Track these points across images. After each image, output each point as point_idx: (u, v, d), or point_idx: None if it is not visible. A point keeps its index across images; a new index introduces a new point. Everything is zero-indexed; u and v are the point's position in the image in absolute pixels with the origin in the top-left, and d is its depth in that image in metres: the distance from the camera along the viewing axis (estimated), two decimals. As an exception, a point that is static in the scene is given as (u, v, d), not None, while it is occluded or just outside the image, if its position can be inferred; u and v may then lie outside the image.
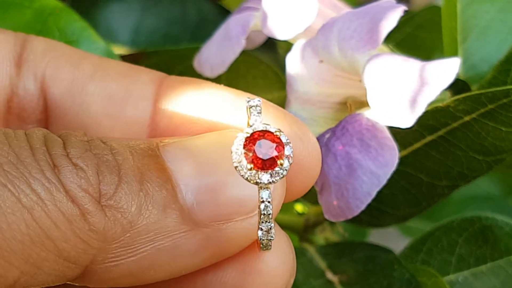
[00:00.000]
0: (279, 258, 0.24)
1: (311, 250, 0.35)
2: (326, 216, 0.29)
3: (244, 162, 0.22)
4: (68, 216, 0.21)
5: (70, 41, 0.36)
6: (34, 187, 0.21)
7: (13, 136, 0.22)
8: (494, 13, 0.37)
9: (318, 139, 0.30)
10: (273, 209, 0.23)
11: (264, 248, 0.23)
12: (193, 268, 0.23)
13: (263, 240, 0.23)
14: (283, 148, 0.22)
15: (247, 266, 0.24)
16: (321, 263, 0.34)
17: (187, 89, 0.26)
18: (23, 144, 0.22)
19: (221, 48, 0.33)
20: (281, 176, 0.22)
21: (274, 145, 0.22)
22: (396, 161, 0.28)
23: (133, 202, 0.22)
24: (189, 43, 0.44)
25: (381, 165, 0.28)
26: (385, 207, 0.34)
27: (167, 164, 0.23)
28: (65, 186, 0.22)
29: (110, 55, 0.36)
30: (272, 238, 0.22)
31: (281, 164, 0.22)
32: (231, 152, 0.22)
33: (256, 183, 0.22)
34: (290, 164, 0.22)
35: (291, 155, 0.22)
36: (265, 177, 0.22)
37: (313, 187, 0.31)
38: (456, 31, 0.37)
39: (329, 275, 0.33)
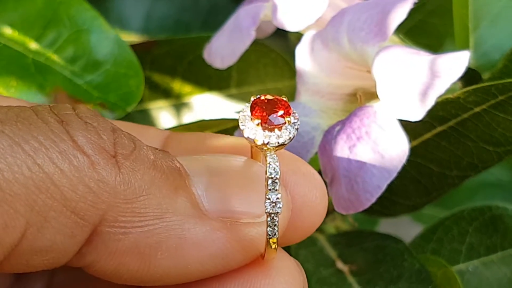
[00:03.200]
0: (287, 281, 0.23)
1: (321, 239, 0.35)
2: (336, 209, 0.29)
3: (251, 124, 0.22)
4: (75, 163, 0.21)
5: (81, 30, 0.36)
6: (35, 135, 0.21)
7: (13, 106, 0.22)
8: (507, 0, 0.37)
9: (328, 131, 0.30)
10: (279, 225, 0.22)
11: (271, 235, 0.22)
12: (198, 266, 0.23)
13: (270, 213, 0.22)
14: (290, 109, 0.22)
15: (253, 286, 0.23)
16: (332, 252, 0.34)
17: (192, 138, 0.26)
18: (26, 108, 0.22)
19: (231, 40, 0.33)
20: (289, 138, 0.22)
21: (281, 105, 0.22)
22: (406, 154, 0.28)
23: (147, 171, 0.22)
24: (201, 30, 0.44)
25: (391, 158, 0.28)
26: (395, 197, 0.34)
27: (177, 160, 0.23)
28: (73, 136, 0.21)
29: (120, 44, 0.36)
30: (279, 212, 0.22)
31: (289, 122, 0.22)
32: (239, 119, 0.22)
33: (264, 145, 0.22)
34: (297, 130, 0.22)
35: (298, 123, 0.22)
36: (273, 138, 0.22)
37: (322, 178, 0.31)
38: (468, 19, 0.36)
39: (339, 265, 0.34)
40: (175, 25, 0.44)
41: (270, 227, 0.22)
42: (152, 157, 0.22)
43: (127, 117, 0.38)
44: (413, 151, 0.32)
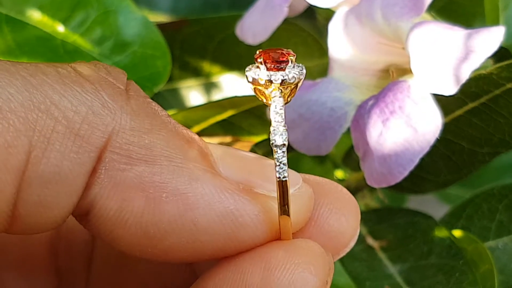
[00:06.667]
0: (308, 255, 0.21)
1: (351, 215, 0.35)
2: (369, 182, 0.29)
3: (254, 68, 0.22)
4: (77, 88, 0.20)
5: (109, 11, 0.36)
6: (34, 64, 0.20)
7: None
8: (537, -21, 0.36)
9: (361, 106, 0.30)
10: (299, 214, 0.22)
11: (280, 176, 0.21)
12: (206, 225, 0.21)
13: (277, 146, 0.21)
14: (294, 55, 0.22)
15: (269, 263, 0.21)
16: (362, 229, 0.35)
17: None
18: None
19: (263, 16, 0.34)
20: (293, 77, 0.21)
21: (284, 50, 0.22)
22: (439, 128, 0.28)
23: (159, 115, 0.21)
24: (229, 10, 0.45)
25: (424, 133, 0.28)
26: (425, 174, 0.34)
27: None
28: (77, 68, 0.21)
29: (147, 25, 0.36)
30: (285, 144, 0.21)
31: (292, 61, 0.22)
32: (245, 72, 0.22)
33: (268, 82, 0.21)
34: (303, 75, 0.22)
35: (304, 71, 0.22)
36: (277, 75, 0.21)
37: (354, 153, 0.31)
38: (498, -2, 0.36)
39: (370, 241, 0.34)
40: (204, 4, 0.45)
41: (279, 166, 0.21)
42: (165, 113, 0.22)
43: (157, 96, 0.38)
44: (444, 128, 0.32)
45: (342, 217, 0.23)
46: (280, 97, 0.21)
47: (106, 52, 0.35)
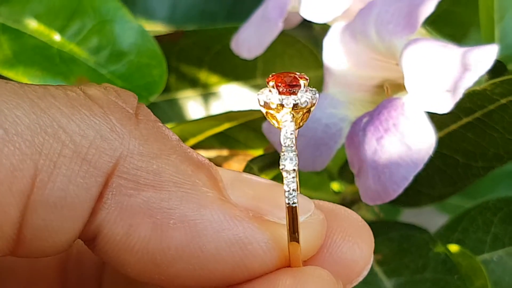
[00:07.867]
0: (316, 282, 0.21)
1: (347, 228, 0.36)
2: (363, 200, 0.30)
3: (266, 90, 0.21)
4: (85, 112, 0.20)
5: (105, 20, 0.36)
6: (43, 87, 0.20)
7: None
8: (532, -9, 0.37)
9: (356, 123, 0.31)
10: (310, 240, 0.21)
11: (289, 202, 0.21)
12: (214, 252, 0.20)
13: (287, 171, 0.21)
14: (306, 79, 0.22)
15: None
16: (357, 242, 0.35)
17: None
18: None
19: (259, 30, 0.34)
20: (305, 101, 0.21)
21: (296, 74, 0.22)
22: (433, 146, 0.28)
23: (169, 140, 0.21)
24: (226, 20, 0.45)
25: (418, 150, 0.28)
26: (421, 187, 0.34)
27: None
28: (86, 91, 0.20)
29: (143, 34, 0.36)
30: (295, 169, 0.21)
31: (305, 85, 0.21)
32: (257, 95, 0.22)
33: (280, 106, 0.21)
34: (315, 99, 0.21)
35: (317, 95, 0.22)
36: (289, 99, 0.21)
37: (349, 167, 0.32)
38: (493, 10, 0.36)
39: (365, 254, 0.34)
40: (201, 15, 0.45)
41: (288, 191, 0.21)
42: (175, 137, 0.22)
43: (155, 107, 0.38)
44: (439, 142, 0.32)
45: (355, 245, 0.22)
46: (291, 121, 0.21)
47: (102, 61, 0.35)
